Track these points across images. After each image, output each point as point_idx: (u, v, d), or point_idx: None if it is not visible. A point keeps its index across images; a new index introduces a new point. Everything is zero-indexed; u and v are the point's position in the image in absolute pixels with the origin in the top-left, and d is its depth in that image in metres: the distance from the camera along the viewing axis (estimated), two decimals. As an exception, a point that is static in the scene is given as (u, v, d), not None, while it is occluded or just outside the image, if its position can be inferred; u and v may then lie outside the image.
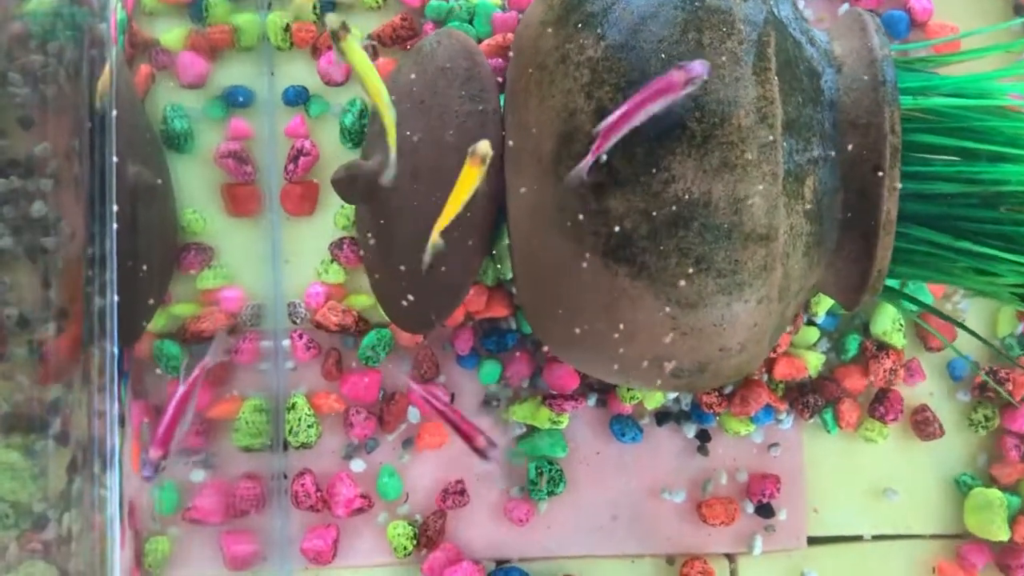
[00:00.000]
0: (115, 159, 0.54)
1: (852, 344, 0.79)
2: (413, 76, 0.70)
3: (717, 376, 0.62)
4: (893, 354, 0.78)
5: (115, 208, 0.53)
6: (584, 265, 0.58)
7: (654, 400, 0.80)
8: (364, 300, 0.79)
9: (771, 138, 0.55)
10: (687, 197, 0.55)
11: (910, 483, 0.80)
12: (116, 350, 0.51)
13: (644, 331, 0.59)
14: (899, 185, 0.58)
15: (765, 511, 0.79)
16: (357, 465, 0.79)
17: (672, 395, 0.80)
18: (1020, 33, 0.82)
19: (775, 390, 0.79)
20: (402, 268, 0.69)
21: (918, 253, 0.61)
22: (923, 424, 0.79)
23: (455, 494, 0.78)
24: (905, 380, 0.79)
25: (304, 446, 0.78)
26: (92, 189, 0.53)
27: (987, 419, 0.79)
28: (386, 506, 0.79)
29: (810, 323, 0.80)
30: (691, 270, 0.56)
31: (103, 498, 0.50)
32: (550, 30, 0.60)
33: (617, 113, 0.53)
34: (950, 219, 0.60)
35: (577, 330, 0.61)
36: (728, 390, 0.79)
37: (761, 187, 0.55)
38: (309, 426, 0.77)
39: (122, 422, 0.53)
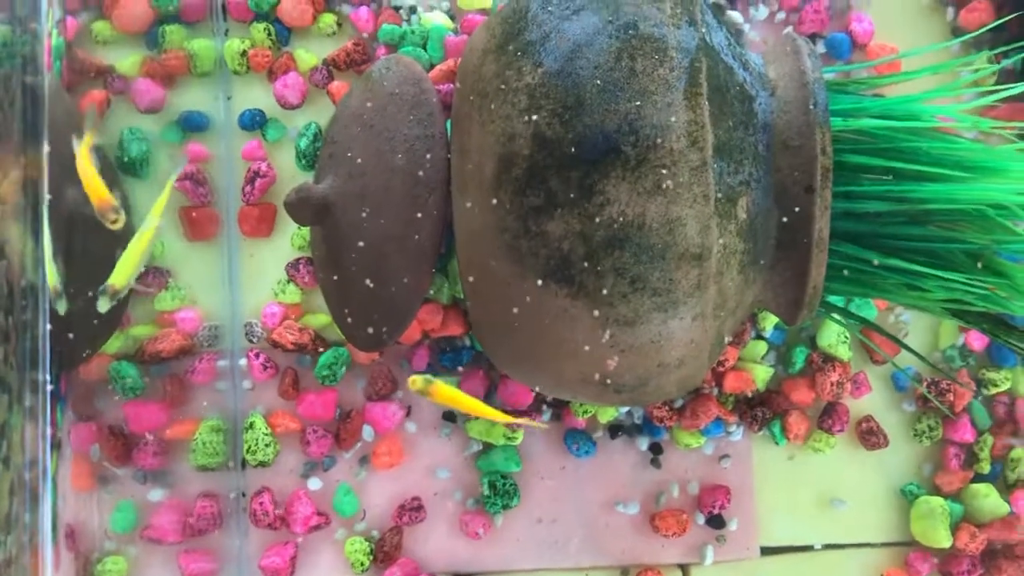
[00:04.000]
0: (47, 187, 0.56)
1: (799, 357, 0.81)
2: (363, 101, 0.71)
3: (659, 391, 0.64)
4: (839, 367, 0.80)
5: (48, 236, 0.55)
6: (525, 286, 0.59)
7: (607, 414, 0.81)
8: (321, 319, 0.80)
9: (702, 161, 0.56)
10: (622, 219, 0.56)
11: (858, 493, 0.82)
12: (48, 376, 0.52)
13: (585, 349, 0.60)
14: (830, 205, 0.60)
15: (716, 522, 0.81)
16: (314, 483, 0.80)
17: (624, 409, 0.81)
18: (957, 53, 0.84)
19: (725, 403, 0.81)
20: (352, 288, 0.70)
21: (851, 270, 0.63)
22: (869, 435, 0.81)
23: (411, 510, 0.80)
24: (852, 392, 0.81)
25: (262, 465, 0.79)
26: (25, 217, 0.54)
27: (931, 429, 0.81)
28: (343, 523, 0.80)
29: (758, 337, 0.82)
30: (627, 290, 0.58)
31: (35, 521, 0.51)
32: (491, 57, 0.61)
33: None
34: (881, 237, 0.62)
35: (521, 348, 0.63)
36: (679, 403, 0.81)
37: (693, 209, 0.56)
38: (267, 445, 0.78)
39: (58, 446, 0.54)
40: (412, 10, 0.84)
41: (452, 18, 0.84)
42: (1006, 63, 0.83)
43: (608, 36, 0.58)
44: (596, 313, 0.58)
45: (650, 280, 0.57)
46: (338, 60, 0.82)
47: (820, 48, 0.85)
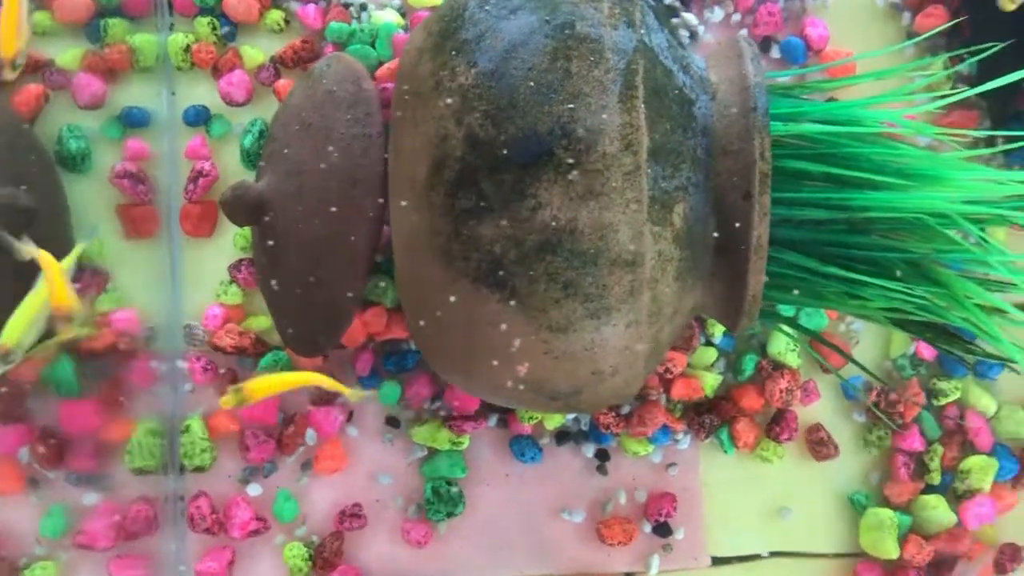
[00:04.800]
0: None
1: (749, 364, 0.80)
2: (302, 99, 0.70)
3: (594, 398, 0.62)
4: (788, 374, 0.79)
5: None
6: (457, 290, 0.58)
7: (554, 420, 0.80)
8: (263, 322, 0.79)
9: (636, 165, 0.55)
10: (554, 224, 0.55)
11: (806, 502, 0.81)
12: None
13: (518, 355, 0.59)
14: (769, 211, 0.59)
15: (662, 530, 0.79)
16: (254, 488, 0.78)
17: (571, 415, 0.80)
18: (912, 58, 0.83)
19: (673, 410, 0.80)
20: (288, 291, 0.68)
21: (791, 278, 0.62)
22: (818, 444, 0.80)
23: (352, 516, 0.78)
24: (801, 400, 0.80)
25: (199, 469, 0.77)
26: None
27: (881, 439, 0.80)
28: (283, 528, 0.78)
29: (708, 344, 0.81)
30: (560, 295, 0.56)
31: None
32: (426, 56, 0.60)
33: None
34: (820, 244, 0.61)
35: (455, 353, 0.62)
36: (626, 410, 0.80)
37: (626, 214, 0.55)
38: (203, 450, 0.77)
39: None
40: (362, 7, 0.82)
41: (403, 15, 0.82)
42: (960, 67, 0.82)
43: (544, 36, 0.57)
44: (528, 319, 0.57)
45: (582, 286, 0.56)
46: (285, 57, 0.81)
47: (775, 52, 0.84)
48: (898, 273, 0.59)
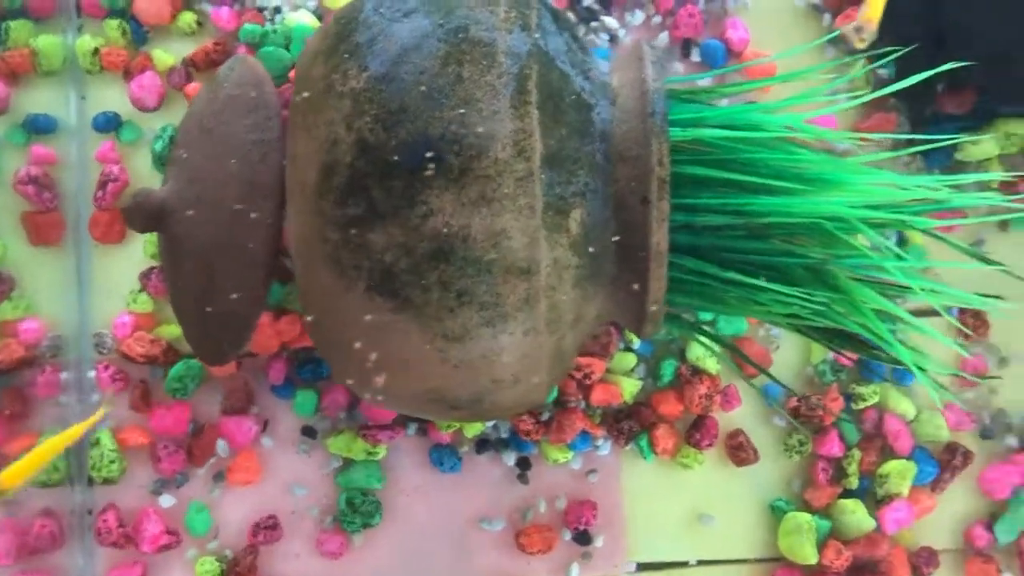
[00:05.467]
0: None
1: (668, 370, 0.79)
2: (204, 104, 0.68)
3: (496, 407, 0.61)
4: (707, 380, 0.78)
5: None
6: (350, 299, 0.57)
7: (473, 428, 0.79)
8: (174, 330, 0.77)
9: (529, 171, 0.54)
10: (446, 231, 0.54)
11: (726, 508, 0.80)
12: None
13: (415, 364, 0.58)
14: (668, 217, 0.58)
15: (582, 538, 0.79)
16: (166, 500, 0.77)
17: (491, 423, 0.79)
18: (832, 59, 0.83)
19: (592, 416, 0.79)
20: (191, 298, 0.67)
21: (692, 284, 0.61)
22: (738, 449, 0.79)
23: (266, 528, 0.77)
24: (722, 406, 0.80)
25: (108, 481, 0.75)
26: None
27: (801, 444, 0.79)
28: (195, 541, 0.77)
29: (627, 349, 0.80)
30: (454, 304, 0.55)
31: None
32: (320, 59, 0.59)
33: None
34: (720, 250, 0.60)
35: (354, 363, 0.60)
36: (545, 417, 0.79)
37: (519, 221, 0.54)
38: (112, 461, 0.75)
39: None
40: (277, 10, 0.81)
41: (320, 18, 0.81)
42: (879, 69, 0.82)
43: (437, 40, 0.56)
44: (423, 327, 0.56)
45: (477, 294, 0.55)
46: (197, 60, 0.80)
47: (695, 55, 0.83)
48: (802, 280, 0.59)
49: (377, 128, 0.55)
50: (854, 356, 0.63)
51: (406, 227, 0.54)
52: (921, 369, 0.60)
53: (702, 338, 0.70)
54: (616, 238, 0.60)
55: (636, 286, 0.61)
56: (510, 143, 0.54)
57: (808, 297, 0.58)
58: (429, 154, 0.54)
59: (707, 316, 0.79)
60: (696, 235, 0.60)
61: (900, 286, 0.59)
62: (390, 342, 0.57)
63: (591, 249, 0.59)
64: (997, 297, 0.61)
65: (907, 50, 0.78)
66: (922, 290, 0.58)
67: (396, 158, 0.54)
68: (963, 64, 0.68)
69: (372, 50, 0.57)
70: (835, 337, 0.63)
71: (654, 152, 0.58)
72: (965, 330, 0.80)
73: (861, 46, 0.52)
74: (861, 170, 0.59)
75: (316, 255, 0.57)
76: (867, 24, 0.52)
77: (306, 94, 0.59)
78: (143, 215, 0.66)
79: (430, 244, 0.54)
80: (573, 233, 0.57)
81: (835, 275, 0.58)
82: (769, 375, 0.70)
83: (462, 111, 0.54)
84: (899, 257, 0.58)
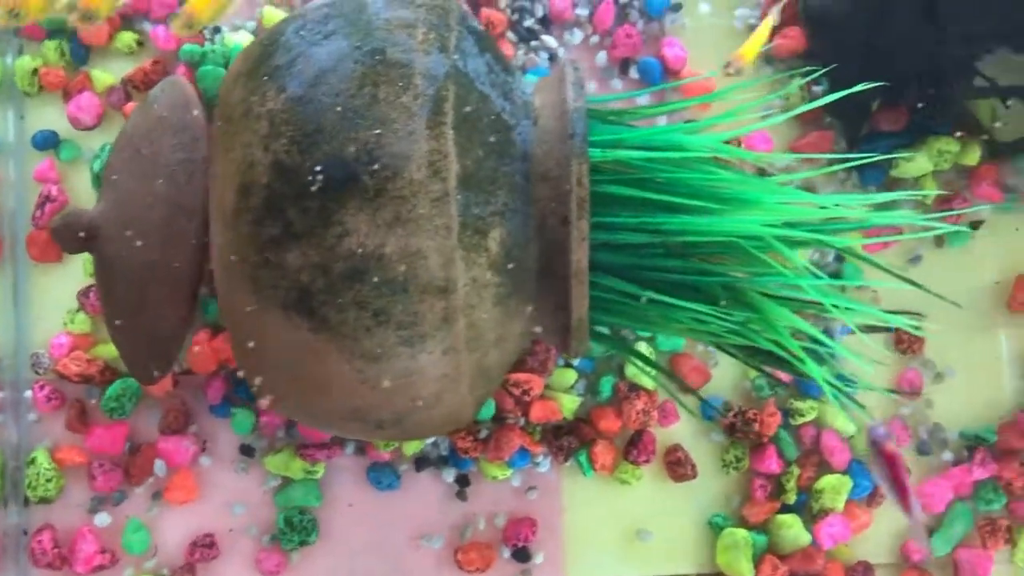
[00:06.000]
0: None
1: (606, 386, 0.80)
2: (135, 125, 0.69)
3: (421, 426, 0.62)
4: (644, 395, 0.79)
5: None
6: (269, 319, 0.57)
7: (412, 446, 0.79)
8: (111, 350, 0.77)
9: (444, 192, 0.55)
10: (361, 251, 0.54)
11: (666, 524, 0.80)
12: None
13: (335, 385, 0.58)
14: (587, 236, 0.59)
15: (521, 555, 0.79)
16: (102, 519, 0.76)
17: (430, 440, 0.79)
18: (771, 80, 0.84)
19: (532, 433, 0.79)
20: (120, 317, 0.67)
21: (615, 302, 0.62)
22: (676, 465, 0.80)
23: (203, 547, 0.77)
24: (660, 421, 0.80)
25: (44, 501, 0.75)
26: None
27: (738, 460, 0.80)
28: (132, 561, 0.77)
29: (567, 365, 0.80)
30: (371, 323, 0.56)
31: None
32: (241, 81, 0.59)
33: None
34: (640, 269, 0.60)
35: (277, 383, 0.61)
36: (483, 434, 0.79)
37: (434, 241, 0.55)
38: (48, 480, 0.75)
39: None
40: (216, 30, 0.81)
41: (260, 38, 0.81)
42: (814, 86, 0.83)
43: (354, 61, 0.57)
44: (340, 347, 0.56)
45: (393, 314, 0.55)
46: (136, 80, 0.80)
47: (633, 73, 0.84)
48: (720, 299, 0.59)
49: (293, 149, 0.55)
50: (778, 373, 0.63)
51: (321, 247, 0.55)
52: (830, 385, 0.60)
53: (635, 360, 0.70)
54: (538, 257, 0.61)
55: (559, 304, 0.61)
56: (425, 164, 0.55)
57: (724, 315, 0.58)
58: (344, 175, 0.54)
59: (646, 332, 0.79)
60: (616, 254, 0.61)
61: (814, 304, 0.59)
62: (309, 362, 0.58)
63: (512, 268, 0.59)
64: (916, 315, 0.62)
65: (838, 66, 0.79)
66: (836, 308, 0.58)
67: (311, 179, 0.55)
68: (883, 84, 0.69)
69: (290, 72, 0.57)
70: (755, 354, 0.64)
71: (573, 172, 0.59)
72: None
73: (734, 79, 0.53)
74: (777, 189, 0.60)
75: (235, 275, 0.58)
76: (737, 60, 0.53)
77: (226, 116, 0.59)
78: (72, 235, 0.66)
79: (345, 264, 0.55)
80: (492, 252, 0.58)
81: (749, 293, 0.58)
82: (697, 395, 0.70)
83: (377, 132, 0.55)
84: (815, 275, 0.58)
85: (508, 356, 0.64)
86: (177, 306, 0.65)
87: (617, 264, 0.61)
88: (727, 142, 0.78)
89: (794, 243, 0.60)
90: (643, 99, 0.83)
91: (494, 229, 0.58)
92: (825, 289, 0.59)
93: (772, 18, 0.54)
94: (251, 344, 0.59)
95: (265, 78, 0.58)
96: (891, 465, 0.63)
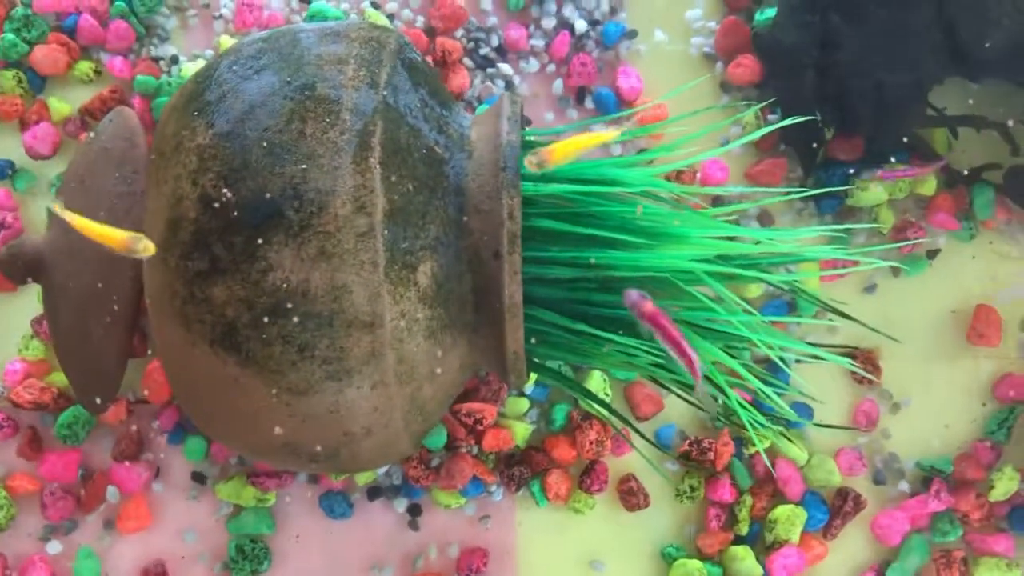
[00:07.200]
0: None
1: (560, 414, 0.79)
2: (82, 155, 0.69)
3: (355, 460, 0.62)
4: (597, 425, 0.78)
5: None
6: (197, 352, 0.57)
7: (365, 476, 0.79)
8: (64, 378, 0.77)
9: (370, 227, 0.55)
10: (285, 286, 0.55)
11: (618, 555, 0.80)
12: None
13: (263, 418, 0.58)
14: (520, 271, 0.59)
15: (473, 586, 0.78)
16: (54, 547, 0.77)
17: (382, 469, 0.79)
18: (724, 109, 0.84)
19: (486, 462, 0.79)
20: (64, 347, 0.67)
21: (552, 335, 0.62)
22: (628, 495, 0.79)
23: (155, 575, 0.77)
24: (613, 450, 0.80)
25: (-5, 529, 0.76)
26: None
27: (692, 489, 0.79)
28: (83, 589, 0.77)
29: (520, 394, 0.80)
30: (296, 358, 0.56)
31: None
32: (174, 116, 0.60)
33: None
34: (572, 302, 0.60)
35: (208, 416, 0.61)
36: (435, 463, 0.79)
37: (360, 276, 0.55)
38: (0, 508, 0.75)
39: None
40: (174, 60, 0.82)
41: (219, 67, 0.82)
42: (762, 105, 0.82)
43: (283, 97, 0.57)
44: (267, 382, 0.56)
45: (319, 348, 0.56)
46: (93, 108, 0.81)
47: (589, 102, 0.84)
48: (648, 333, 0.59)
49: (219, 184, 0.56)
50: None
51: (247, 282, 0.55)
52: (753, 423, 0.60)
53: (572, 390, 0.70)
54: (473, 290, 0.61)
55: (494, 337, 0.61)
56: (350, 199, 0.55)
57: (651, 349, 0.58)
58: (268, 210, 0.55)
59: (582, 364, 0.79)
60: (550, 287, 0.61)
61: (742, 337, 0.59)
62: (237, 396, 0.58)
63: (445, 301, 0.59)
64: (849, 352, 0.62)
65: (792, 96, 0.79)
66: (763, 344, 0.58)
67: (236, 214, 0.55)
68: (834, 113, 0.69)
69: (220, 107, 0.58)
70: (686, 387, 0.64)
71: (505, 206, 0.59)
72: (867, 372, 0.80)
73: (533, 169, 0.52)
74: (709, 223, 0.60)
75: (165, 309, 0.58)
76: (546, 154, 0.52)
77: (160, 150, 0.59)
78: (17, 265, 0.67)
79: (270, 299, 0.55)
80: (422, 286, 0.58)
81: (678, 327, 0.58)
82: (636, 429, 0.70)
83: (303, 167, 0.55)
84: (746, 311, 0.58)
85: (447, 388, 0.64)
86: (117, 337, 0.65)
87: (551, 297, 0.61)
88: (679, 172, 0.79)
89: (725, 277, 0.59)
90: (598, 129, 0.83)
91: (424, 263, 0.58)
92: (756, 324, 0.59)
93: (606, 131, 0.53)
94: (183, 377, 0.60)
95: (195, 113, 0.58)
96: (657, 326, 0.54)
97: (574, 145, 0.50)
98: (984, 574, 0.78)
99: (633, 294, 0.52)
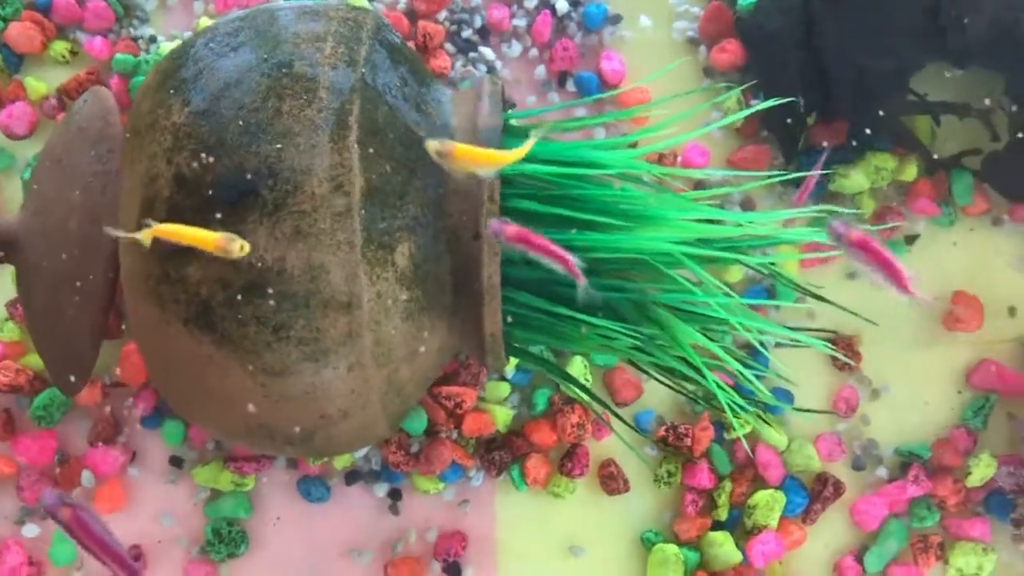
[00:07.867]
0: None
1: (541, 399, 0.79)
2: (58, 135, 0.68)
3: (331, 442, 0.61)
4: (579, 408, 0.78)
5: None
6: (171, 332, 0.57)
7: (343, 460, 0.79)
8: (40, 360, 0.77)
9: (347, 207, 0.54)
10: (260, 265, 0.54)
11: (598, 540, 0.80)
12: None
13: (238, 399, 0.58)
14: (499, 251, 0.58)
15: (452, 570, 0.78)
16: (30, 530, 0.76)
17: (360, 454, 0.79)
18: (707, 92, 0.84)
19: (465, 446, 0.79)
20: (38, 328, 0.67)
21: (531, 318, 0.62)
22: (609, 479, 0.79)
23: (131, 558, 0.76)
24: (594, 435, 0.80)
25: (-31, 512, 0.75)
26: None
27: (670, 474, 0.79)
28: (59, 572, 0.76)
29: (501, 378, 0.80)
30: (271, 338, 0.55)
31: None
32: (150, 94, 0.59)
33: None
34: (551, 284, 0.60)
35: (183, 396, 0.60)
36: (415, 448, 0.78)
37: (337, 256, 0.54)
38: (-27, 491, 0.75)
39: None
40: (152, 39, 0.81)
41: (198, 48, 0.81)
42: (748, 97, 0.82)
43: (260, 74, 0.56)
44: (241, 362, 0.56)
45: (294, 329, 0.55)
46: (70, 88, 0.80)
47: (571, 86, 0.84)
48: (629, 315, 0.59)
49: (195, 163, 0.55)
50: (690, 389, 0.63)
51: (220, 261, 0.54)
52: (731, 405, 0.60)
53: (552, 374, 0.69)
54: (452, 271, 0.60)
55: (473, 319, 0.61)
56: (327, 178, 0.54)
57: (630, 332, 0.58)
58: (244, 188, 0.54)
59: (561, 348, 0.78)
60: (530, 269, 0.60)
61: (721, 320, 0.59)
62: (213, 376, 0.57)
63: (424, 282, 0.59)
64: (829, 335, 0.61)
65: (775, 81, 0.79)
66: (742, 326, 0.58)
67: (211, 192, 0.54)
68: (816, 98, 0.68)
69: (196, 85, 0.57)
70: (665, 371, 0.63)
71: (485, 187, 0.58)
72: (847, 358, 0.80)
73: (432, 155, 0.51)
74: (688, 206, 0.60)
75: (140, 288, 0.57)
76: (451, 148, 0.50)
77: (135, 128, 0.59)
78: (-8, 245, 0.66)
79: (245, 278, 0.54)
80: (400, 267, 0.57)
81: (657, 310, 0.58)
82: (616, 414, 0.70)
83: (279, 146, 0.54)
84: (724, 293, 0.58)
85: (426, 371, 0.64)
86: (91, 316, 0.64)
87: (530, 279, 0.61)
88: (661, 155, 0.79)
89: (704, 260, 0.59)
90: (581, 112, 0.83)
91: (402, 244, 0.57)
92: (735, 307, 0.58)
93: (512, 154, 0.52)
94: (158, 358, 0.59)
95: (171, 91, 0.58)
96: (867, 250, 0.52)
97: (477, 155, 0.51)
98: (960, 558, 0.78)
99: (837, 227, 0.50)
